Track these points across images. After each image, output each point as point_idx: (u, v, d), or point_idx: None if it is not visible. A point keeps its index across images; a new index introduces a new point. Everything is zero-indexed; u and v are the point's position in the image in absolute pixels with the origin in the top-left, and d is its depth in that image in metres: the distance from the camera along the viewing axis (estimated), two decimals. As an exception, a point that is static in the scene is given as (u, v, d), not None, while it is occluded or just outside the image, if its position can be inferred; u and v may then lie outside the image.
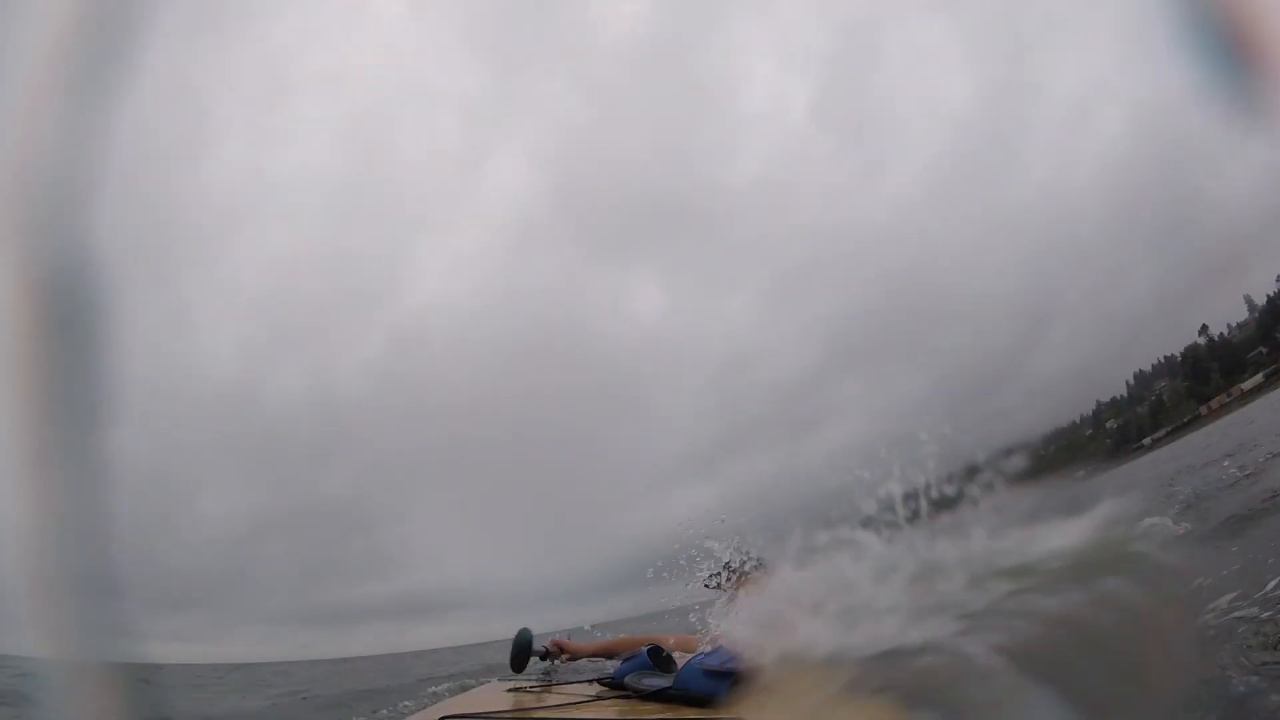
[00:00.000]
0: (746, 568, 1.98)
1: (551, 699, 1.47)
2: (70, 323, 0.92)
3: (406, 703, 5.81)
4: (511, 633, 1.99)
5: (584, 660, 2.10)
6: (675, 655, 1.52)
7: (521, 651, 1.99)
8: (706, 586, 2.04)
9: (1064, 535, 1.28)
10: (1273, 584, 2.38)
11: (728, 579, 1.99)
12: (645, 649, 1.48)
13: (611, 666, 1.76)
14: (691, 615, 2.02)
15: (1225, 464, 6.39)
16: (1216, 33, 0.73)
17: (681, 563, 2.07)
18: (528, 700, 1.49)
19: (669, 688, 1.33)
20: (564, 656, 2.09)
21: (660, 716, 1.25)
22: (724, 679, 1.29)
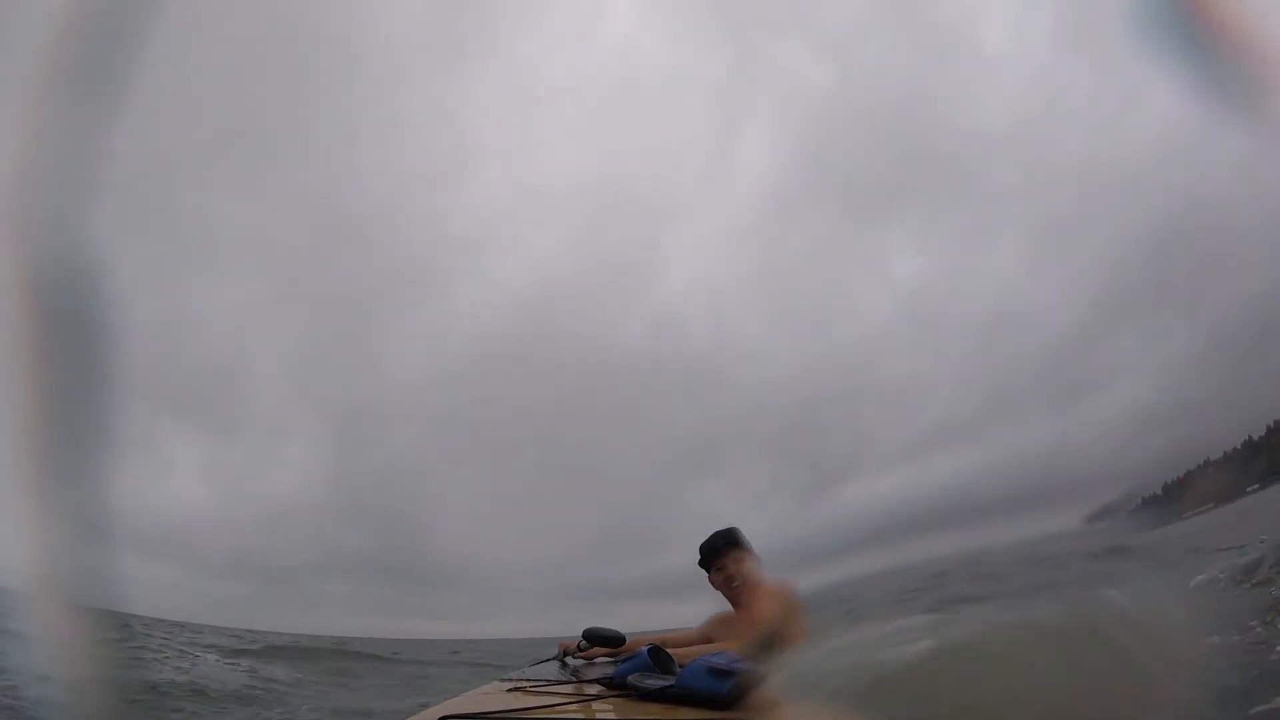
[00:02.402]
0: None
1: (552, 699, 1.47)
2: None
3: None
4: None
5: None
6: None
7: None
8: None
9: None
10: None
11: None
12: (645, 648, 1.49)
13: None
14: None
15: None
16: None
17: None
18: (528, 700, 1.49)
19: (670, 686, 1.33)
20: (579, 656, 2.15)
21: (661, 716, 1.26)
22: (727, 678, 1.29)
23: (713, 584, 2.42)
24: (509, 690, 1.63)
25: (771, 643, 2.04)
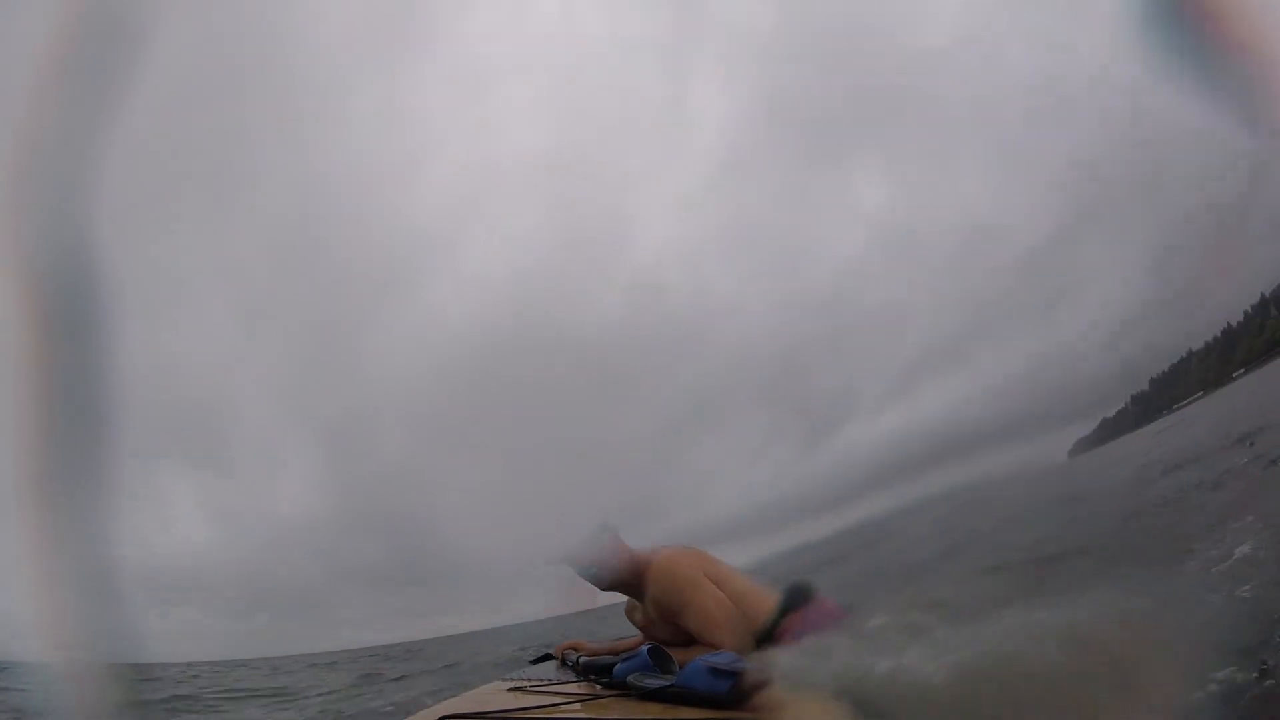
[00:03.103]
0: None
1: (551, 698, 1.46)
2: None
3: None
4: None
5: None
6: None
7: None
8: None
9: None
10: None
11: None
12: (645, 648, 1.48)
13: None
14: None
15: None
16: None
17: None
18: (528, 699, 1.48)
19: (670, 686, 1.33)
20: (578, 657, 2.11)
21: (661, 716, 1.25)
22: (727, 678, 1.29)
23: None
24: (509, 690, 1.63)
25: (665, 618, 2.03)
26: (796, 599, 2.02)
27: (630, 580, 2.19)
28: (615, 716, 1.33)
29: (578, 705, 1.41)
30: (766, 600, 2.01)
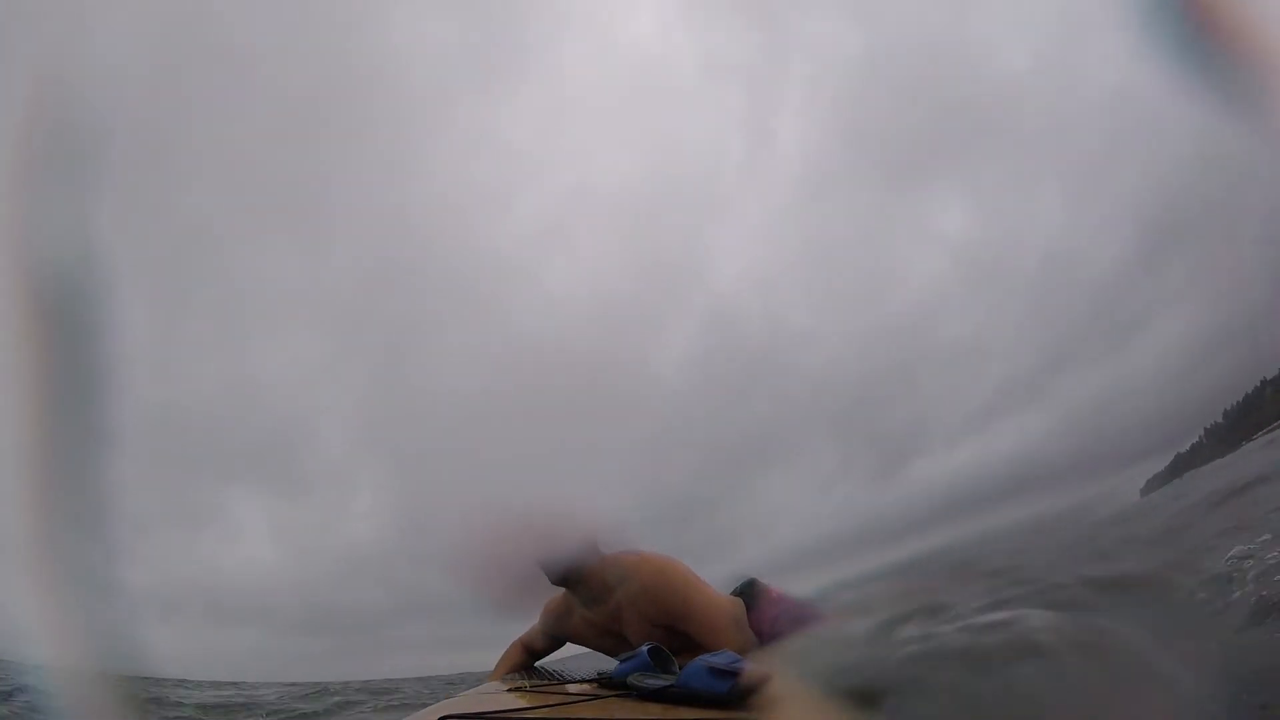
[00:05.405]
0: None
1: (552, 698, 1.43)
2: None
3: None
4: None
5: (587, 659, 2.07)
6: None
7: None
8: None
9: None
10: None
11: None
12: (645, 648, 1.44)
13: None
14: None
15: None
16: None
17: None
18: (528, 699, 1.45)
19: (671, 686, 1.30)
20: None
21: (661, 716, 1.21)
22: (728, 678, 1.24)
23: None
24: (509, 690, 1.60)
25: (655, 621, 1.94)
26: (749, 595, 2.02)
27: (590, 579, 2.05)
28: (615, 716, 1.29)
29: (577, 705, 1.38)
30: (731, 601, 1.98)
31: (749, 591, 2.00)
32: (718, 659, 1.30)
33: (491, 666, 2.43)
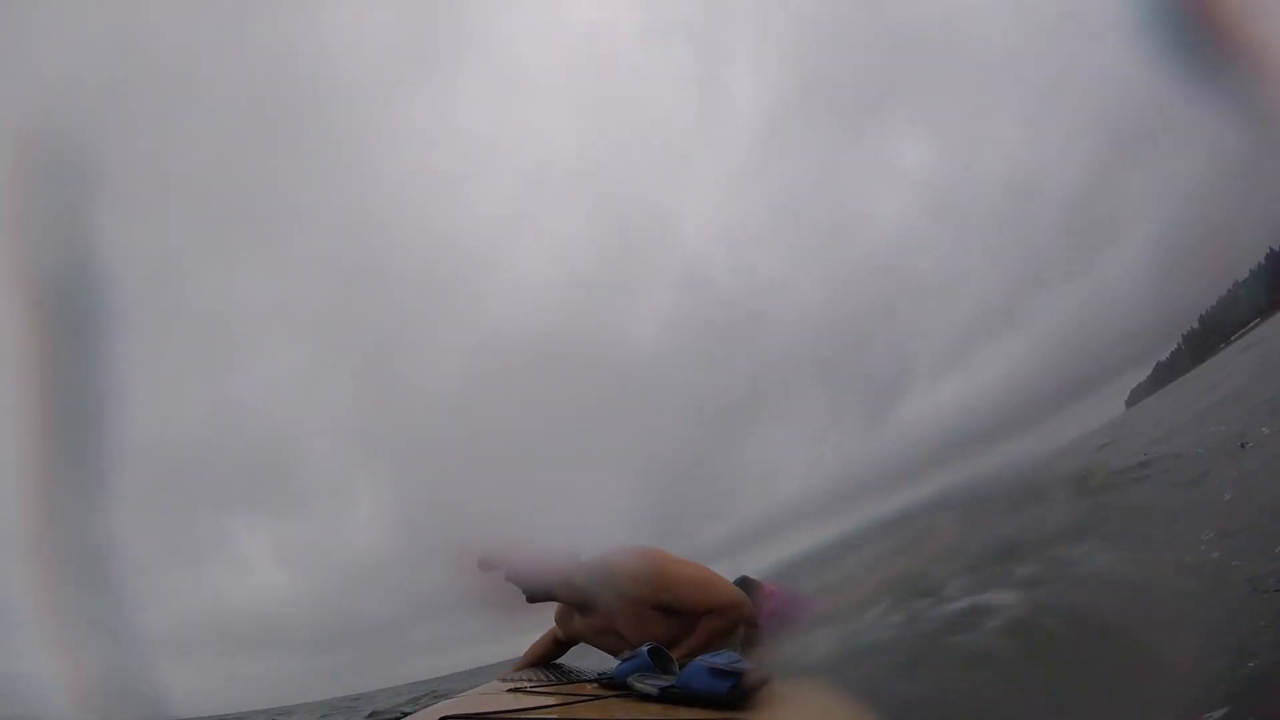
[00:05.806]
0: None
1: (551, 699, 1.41)
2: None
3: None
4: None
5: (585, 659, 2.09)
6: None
7: None
8: None
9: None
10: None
11: None
12: (646, 648, 1.42)
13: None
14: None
15: None
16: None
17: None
18: (527, 699, 1.44)
19: (671, 686, 1.28)
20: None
21: (662, 716, 1.19)
22: (728, 678, 1.22)
23: None
24: (509, 690, 1.58)
25: (647, 603, 1.96)
26: (747, 589, 2.04)
27: (565, 589, 2.10)
28: (615, 716, 1.28)
29: (577, 705, 1.36)
30: (727, 583, 2.01)
31: (743, 588, 2.02)
32: (718, 659, 1.28)
33: (519, 654, 2.52)
